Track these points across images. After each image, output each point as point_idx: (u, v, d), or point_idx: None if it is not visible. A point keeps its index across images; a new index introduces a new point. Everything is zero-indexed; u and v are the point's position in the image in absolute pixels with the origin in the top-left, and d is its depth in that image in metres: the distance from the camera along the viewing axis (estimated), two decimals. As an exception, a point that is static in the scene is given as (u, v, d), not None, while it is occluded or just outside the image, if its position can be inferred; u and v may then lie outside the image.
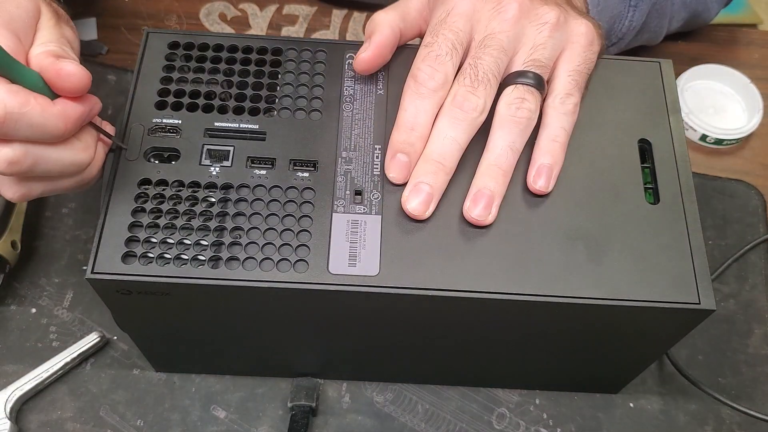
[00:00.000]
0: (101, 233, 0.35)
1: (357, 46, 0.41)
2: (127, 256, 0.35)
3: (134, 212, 0.36)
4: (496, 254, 0.37)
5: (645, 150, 0.41)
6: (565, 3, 0.42)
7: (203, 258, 0.35)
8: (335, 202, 0.37)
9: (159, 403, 0.47)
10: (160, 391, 0.48)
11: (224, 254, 0.35)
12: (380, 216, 0.37)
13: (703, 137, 0.59)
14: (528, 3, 0.40)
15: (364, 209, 0.37)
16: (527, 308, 0.37)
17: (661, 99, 0.42)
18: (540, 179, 0.38)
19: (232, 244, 0.36)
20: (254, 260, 0.35)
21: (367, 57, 0.40)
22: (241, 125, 0.39)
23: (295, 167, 0.38)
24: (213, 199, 0.37)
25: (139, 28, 0.41)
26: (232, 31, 0.63)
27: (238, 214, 0.36)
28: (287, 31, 0.64)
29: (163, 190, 0.37)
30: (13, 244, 0.49)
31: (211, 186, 0.37)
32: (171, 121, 0.39)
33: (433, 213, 0.37)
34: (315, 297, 0.36)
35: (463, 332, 0.41)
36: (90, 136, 0.35)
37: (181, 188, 0.37)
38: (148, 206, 0.36)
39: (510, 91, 0.39)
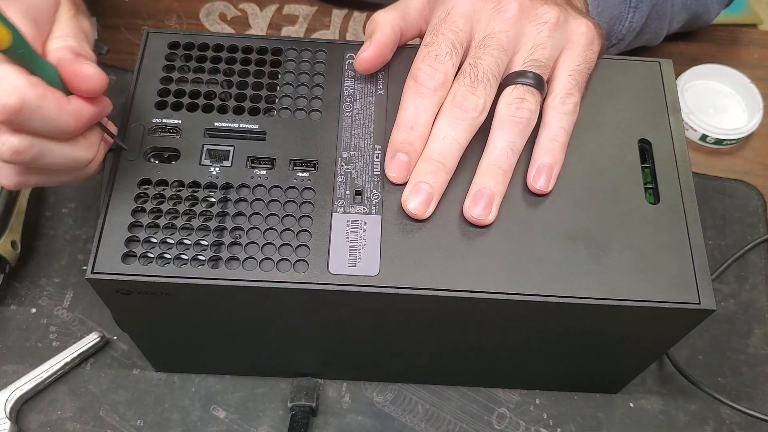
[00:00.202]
0: (101, 233, 0.35)
1: (357, 46, 0.41)
2: (127, 256, 0.35)
3: (134, 212, 0.36)
4: (496, 254, 0.37)
5: (645, 150, 0.41)
6: (565, 3, 0.42)
7: (203, 258, 0.35)
8: (335, 202, 0.37)
9: (159, 403, 0.47)
10: (160, 391, 0.48)
11: (224, 254, 0.35)
12: (380, 216, 0.37)
13: (703, 137, 0.59)
14: (528, 3, 0.40)
15: (364, 209, 0.37)
16: (527, 308, 0.37)
17: (661, 99, 0.42)
18: (540, 179, 0.38)
19: (232, 244, 0.36)
20: (254, 260, 0.35)
21: (367, 56, 0.40)
22: (241, 125, 0.39)
23: (295, 167, 0.38)
24: (213, 199, 0.37)
25: (139, 28, 0.41)
26: (232, 31, 0.63)
27: (238, 214, 0.36)
28: (287, 31, 0.64)
29: (163, 190, 0.37)
30: (13, 244, 0.49)
31: (211, 186, 0.37)
32: (171, 121, 0.39)
33: (433, 213, 0.37)
34: (315, 297, 0.36)
35: (463, 332, 0.41)
36: (95, 135, 0.35)
37: (181, 188, 0.37)
38: (148, 206, 0.36)
39: (510, 91, 0.39)
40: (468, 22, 0.40)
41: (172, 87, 0.40)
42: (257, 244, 0.36)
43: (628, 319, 0.38)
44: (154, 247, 0.35)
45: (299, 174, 0.38)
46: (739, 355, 0.51)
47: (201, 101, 0.39)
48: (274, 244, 0.36)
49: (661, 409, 0.49)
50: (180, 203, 0.36)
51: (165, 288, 0.35)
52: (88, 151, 0.35)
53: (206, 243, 0.36)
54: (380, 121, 0.40)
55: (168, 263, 0.35)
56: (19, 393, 0.46)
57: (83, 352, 0.47)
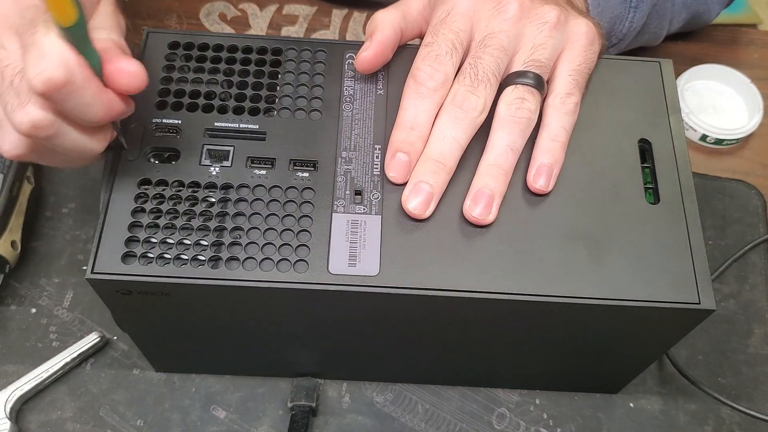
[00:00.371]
0: (101, 233, 0.35)
1: (357, 46, 0.41)
2: (127, 256, 0.35)
3: (134, 212, 0.36)
4: (496, 254, 0.37)
5: (645, 150, 0.41)
6: (565, 3, 0.42)
7: (203, 258, 0.35)
8: (335, 202, 0.37)
9: (159, 403, 0.47)
10: (160, 391, 0.48)
11: (224, 254, 0.35)
12: (380, 216, 0.37)
13: (703, 137, 0.59)
14: (528, 2, 0.40)
15: (364, 209, 0.37)
16: (527, 308, 0.37)
17: (661, 99, 0.42)
18: (540, 178, 0.38)
19: (232, 244, 0.36)
20: (254, 260, 0.35)
21: (368, 56, 0.40)
22: (241, 125, 0.39)
23: (295, 167, 0.38)
24: (213, 199, 0.37)
25: (139, 28, 0.41)
26: (232, 31, 0.63)
27: (238, 214, 0.36)
28: (287, 31, 0.64)
29: (163, 190, 0.37)
30: (13, 244, 0.49)
31: (211, 186, 0.37)
32: (171, 121, 0.39)
33: (433, 213, 0.37)
34: (315, 297, 0.36)
35: (463, 332, 0.41)
36: (107, 130, 0.35)
37: (181, 188, 0.37)
38: (148, 206, 0.36)
39: (510, 92, 0.39)
40: (468, 22, 0.40)
41: (172, 87, 0.40)
42: (257, 244, 0.36)
43: (628, 319, 0.38)
44: (154, 247, 0.35)
45: (299, 174, 0.38)
46: (739, 355, 0.51)
47: (201, 101, 0.39)
48: (274, 244, 0.36)
49: (661, 409, 0.49)
50: (180, 203, 0.36)
51: (165, 288, 0.35)
52: (99, 143, 0.35)
53: (206, 243, 0.36)
54: (380, 121, 0.40)
55: (168, 263, 0.35)
56: (19, 393, 0.46)
57: (83, 352, 0.47)
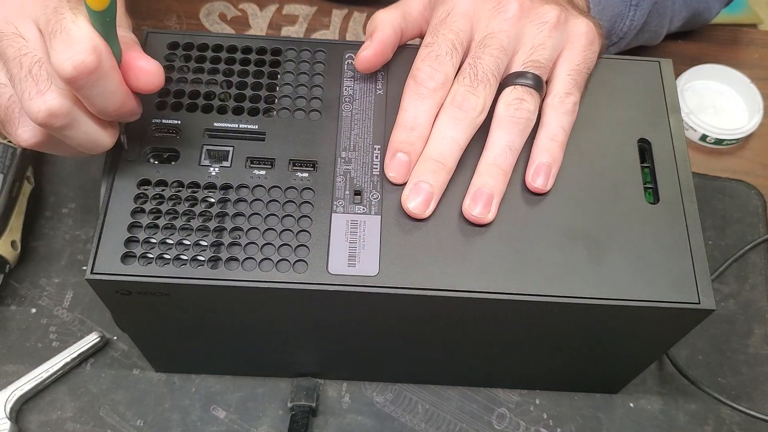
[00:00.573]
0: (101, 234, 0.35)
1: (356, 46, 0.41)
2: (126, 257, 0.35)
3: (134, 213, 0.36)
4: (495, 254, 0.37)
5: (645, 150, 0.41)
6: (566, 2, 0.42)
7: (202, 258, 0.35)
8: (335, 203, 0.37)
9: (159, 403, 0.47)
10: (160, 391, 0.48)
11: (224, 255, 0.35)
12: (380, 216, 0.37)
13: (703, 137, 0.59)
14: (528, 2, 0.40)
15: (363, 209, 0.37)
16: (527, 308, 0.37)
17: (661, 99, 0.42)
18: (538, 178, 0.38)
19: (232, 244, 0.36)
20: (254, 260, 0.35)
21: (368, 55, 0.40)
22: (241, 125, 0.39)
23: (294, 167, 0.38)
24: (212, 200, 0.37)
25: (139, 28, 0.41)
26: (232, 31, 0.63)
27: (238, 214, 0.36)
28: (287, 31, 0.64)
29: (163, 190, 0.37)
30: (13, 244, 0.49)
31: (210, 186, 0.37)
32: (170, 121, 0.39)
33: (433, 213, 0.37)
34: (314, 297, 0.36)
35: (463, 332, 0.41)
36: (116, 126, 0.36)
37: (180, 189, 0.37)
38: (148, 207, 0.36)
39: (509, 92, 0.39)
40: (468, 23, 0.40)
41: (172, 87, 0.40)
42: (256, 245, 0.36)
43: (627, 319, 0.38)
44: (153, 248, 0.35)
45: (298, 174, 0.38)
46: (739, 355, 0.51)
47: (200, 101, 0.39)
48: (273, 245, 0.36)
49: (661, 409, 0.49)
50: (179, 204, 0.36)
51: (164, 288, 0.35)
52: (110, 138, 0.35)
53: (205, 243, 0.36)
54: (380, 121, 0.40)
55: (167, 264, 0.35)
56: (19, 393, 0.46)
57: (83, 352, 0.47)
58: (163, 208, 0.36)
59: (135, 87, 0.33)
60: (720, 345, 0.51)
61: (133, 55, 0.33)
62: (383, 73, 0.42)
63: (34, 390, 0.46)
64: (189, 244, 0.35)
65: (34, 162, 0.52)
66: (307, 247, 0.36)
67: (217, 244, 0.36)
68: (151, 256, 0.35)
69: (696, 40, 0.65)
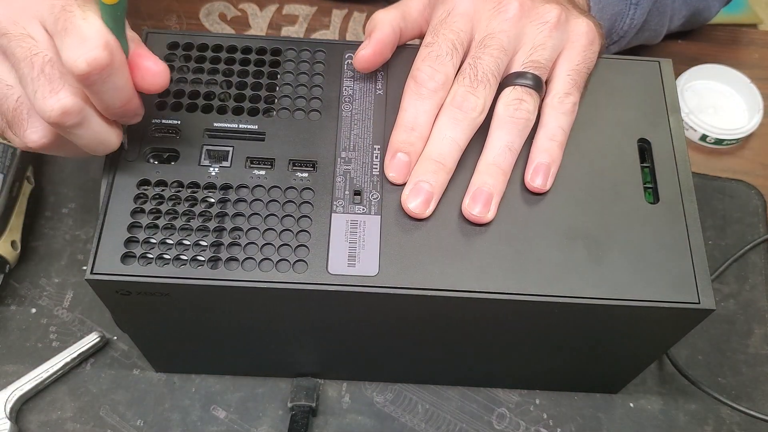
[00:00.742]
0: (100, 234, 0.35)
1: (356, 46, 0.41)
2: (126, 257, 0.35)
3: (133, 213, 0.36)
4: (495, 254, 0.37)
5: (645, 149, 0.41)
6: (566, 1, 0.42)
7: (202, 258, 0.35)
8: (334, 203, 0.37)
9: (159, 403, 0.47)
10: (160, 391, 0.48)
11: (223, 255, 0.35)
12: (379, 216, 0.37)
13: (703, 137, 0.59)
14: (529, 2, 0.40)
15: (363, 209, 0.37)
16: (527, 308, 0.37)
17: (661, 99, 0.42)
18: (538, 178, 0.38)
19: (232, 244, 0.36)
20: (253, 261, 0.35)
21: (366, 54, 0.40)
22: (241, 125, 0.39)
23: (294, 167, 0.38)
24: (212, 200, 0.37)
25: (139, 28, 0.41)
26: (232, 31, 0.63)
27: (238, 214, 0.36)
28: (287, 31, 0.64)
29: (163, 190, 0.37)
30: (13, 244, 0.49)
31: (210, 186, 0.37)
32: (170, 121, 0.39)
33: (433, 213, 0.37)
34: (314, 297, 0.36)
35: (463, 332, 0.41)
36: (121, 128, 0.36)
37: (180, 189, 0.37)
38: (148, 207, 0.36)
39: (509, 92, 0.39)
40: (468, 23, 0.40)
41: (172, 87, 0.40)
42: (256, 245, 0.36)
43: (627, 319, 0.38)
44: (153, 248, 0.35)
45: (298, 174, 0.38)
46: (739, 355, 0.51)
47: (200, 102, 0.39)
48: (273, 245, 0.36)
49: (661, 409, 0.49)
50: (179, 204, 0.36)
51: (164, 288, 0.35)
52: (117, 137, 0.35)
53: (205, 243, 0.36)
54: (379, 121, 0.40)
55: (167, 264, 0.35)
56: (19, 393, 0.46)
57: (83, 352, 0.47)
58: (163, 208, 0.36)
59: (140, 87, 0.34)
60: (720, 345, 0.51)
61: (139, 54, 0.33)
62: (383, 73, 0.42)
63: (34, 390, 0.46)
64: (189, 245, 0.35)
65: (34, 162, 0.52)
66: (306, 247, 0.36)
67: (216, 244, 0.36)
68: (150, 256, 0.35)
69: (696, 40, 0.65)
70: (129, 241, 0.35)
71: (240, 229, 0.36)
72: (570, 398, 0.49)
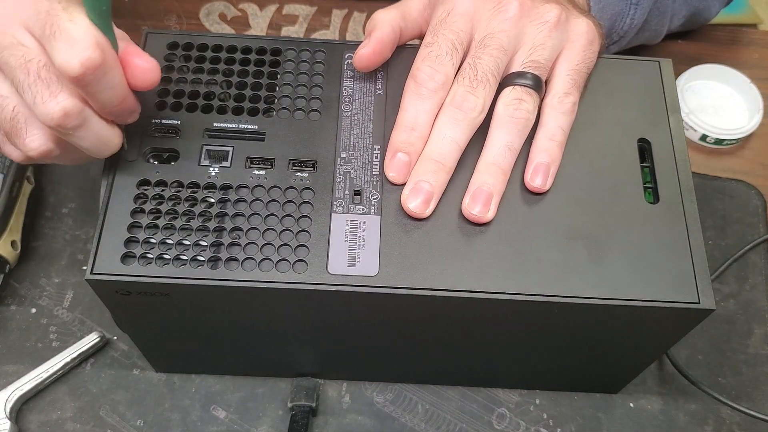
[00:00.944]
0: (100, 234, 0.35)
1: (356, 46, 0.41)
2: (126, 257, 0.35)
3: (133, 213, 0.36)
4: (495, 254, 0.37)
5: (644, 149, 0.41)
6: (566, 1, 0.42)
7: (202, 258, 0.35)
8: (334, 203, 0.37)
9: (159, 403, 0.47)
10: (160, 391, 0.48)
11: (223, 255, 0.35)
12: (379, 216, 0.37)
13: (703, 137, 0.59)
14: (529, 2, 0.40)
15: (363, 209, 0.37)
16: (527, 308, 0.37)
17: (661, 99, 0.42)
18: (537, 177, 0.38)
19: (231, 244, 0.36)
20: (253, 261, 0.35)
21: (366, 53, 0.40)
22: (240, 125, 0.39)
23: (294, 167, 0.38)
24: (212, 200, 0.37)
25: (138, 28, 0.41)
26: (232, 31, 0.63)
27: (237, 214, 0.36)
28: (287, 31, 0.64)
29: (162, 190, 0.37)
30: (13, 244, 0.49)
31: (210, 186, 0.37)
32: (170, 121, 0.39)
33: (433, 213, 0.37)
34: (314, 297, 0.36)
35: (463, 332, 0.41)
36: (121, 128, 0.36)
37: (180, 189, 0.37)
38: (148, 207, 0.36)
39: (508, 92, 0.39)
40: (468, 23, 0.40)
41: (172, 87, 0.40)
42: (256, 245, 0.36)
43: (627, 319, 0.38)
44: (153, 248, 0.35)
45: (298, 174, 0.38)
46: (739, 355, 0.51)
47: (200, 102, 0.39)
48: (273, 245, 0.36)
49: (661, 409, 0.49)
50: (179, 204, 0.36)
51: (164, 289, 0.35)
52: (118, 137, 0.35)
53: (205, 243, 0.36)
54: (379, 121, 0.40)
55: (167, 264, 0.35)
56: (19, 393, 0.46)
57: (83, 352, 0.47)
58: (163, 208, 0.36)
59: (132, 84, 0.34)
60: (720, 345, 0.51)
61: (129, 51, 0.33)
62: (383, 73, 0.42)
63: (34, 390, 0.46)
64: (189, 245, 0.35)
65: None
66: (306, 247, 0.36)
67: (216, 244, 0.36)
68: (150, 256, 0.35)
69: (696, 40, 0.65)
70: (129, 241, 0.35)
71: (240, 229, 0.36)
72: (570, 398, 0.49)
